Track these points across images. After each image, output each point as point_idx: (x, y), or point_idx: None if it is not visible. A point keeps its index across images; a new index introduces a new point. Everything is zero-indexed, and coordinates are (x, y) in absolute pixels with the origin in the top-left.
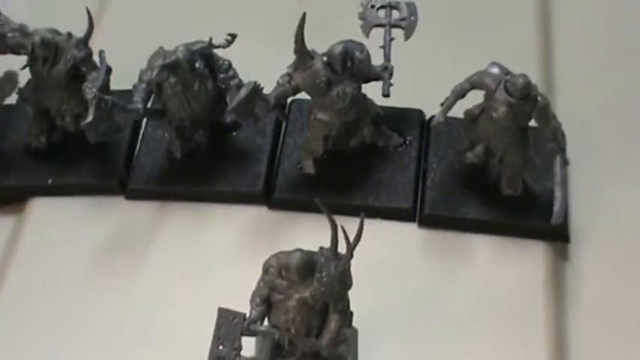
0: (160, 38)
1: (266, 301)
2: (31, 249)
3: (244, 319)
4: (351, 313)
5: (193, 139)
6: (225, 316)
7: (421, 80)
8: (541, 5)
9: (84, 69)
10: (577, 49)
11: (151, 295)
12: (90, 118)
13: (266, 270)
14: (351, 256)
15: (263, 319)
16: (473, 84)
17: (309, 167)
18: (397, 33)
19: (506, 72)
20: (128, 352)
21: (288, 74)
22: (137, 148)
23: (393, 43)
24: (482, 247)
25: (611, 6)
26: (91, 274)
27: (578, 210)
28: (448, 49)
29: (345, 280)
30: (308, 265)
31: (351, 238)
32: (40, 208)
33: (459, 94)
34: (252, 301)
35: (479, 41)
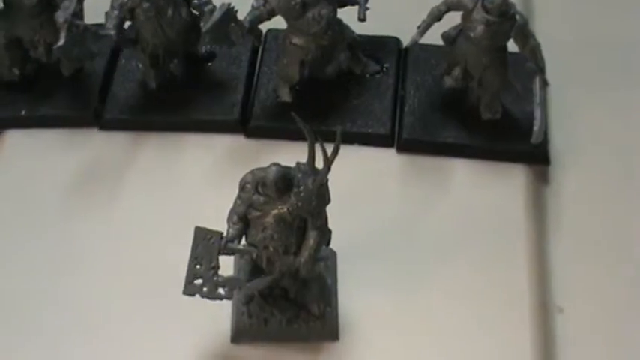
0: None
1: (243, 218)
2: (6, 181)
3: (221, 237)
4: (330, 231)
5: (168, 69)
6: (202, 236)
7: (398, 8)
8: None
9: None
10: None
11: (129, 223)
12: (61, 42)
13: (242, 187)
14: (329, 170)
15: (240, 238)
16: (450, 5)
17: (285, 95)
18: None
19: None
20: (109, 278)
21: None
22: (112, 80)
23: None
24: (462, 172)
25: None
26: (68, 204)
27: (558, 133)
28: None
29: (322, 195)
30: (285, 179)
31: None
32: (15, 139)
33: (436, 16)
34: (229, 219)
35: None
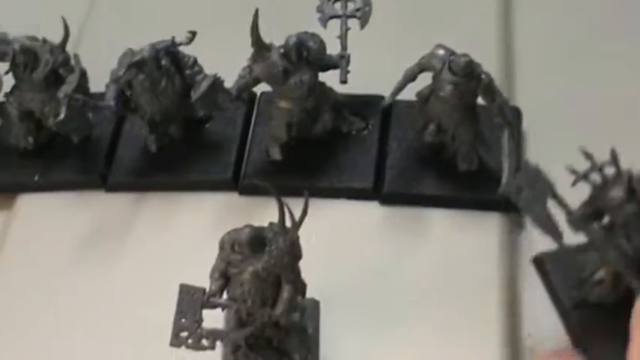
0: (139, 40)
1: (223, 275)
2: (20, 240)
3: (204, 293)
4: (304, 284)
5: (167, 133)
6: (187, 291)
7: (383, 67)
8: None
9: (62, 72)
10: (536, 38)
11: (130, 279)
12: (61, 116)
13: (221, 246)
14: (298, 229)
15: (222, 293)
16: (421, 66)
17: (275, 154)
18: (353, 23)
19: (450, 53)
20: (110, 330)
21: (248, 66)
22: (117, 145)
23: (350, 32)
24: (441, 221)
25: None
26: (76, 261)
27: None
28: (406, 36)
29: (293, 252)
30: (258, 239)
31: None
32: (28, 203)
33: (409, 76)
34: (211, 276)
35: (437, 28)
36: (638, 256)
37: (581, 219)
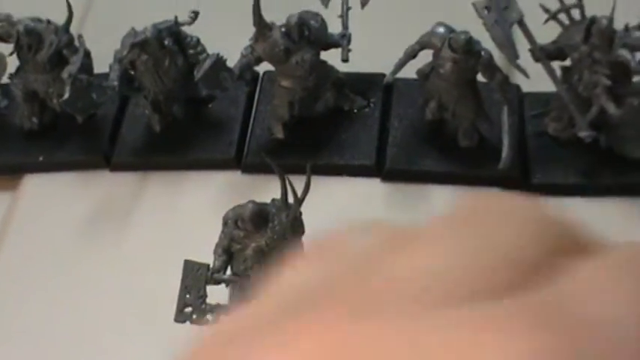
0: (142, 21)
1: (227, 251)
2: (26, 219)
3: (208, 269)
4: None
5: (171, 113)
6: (191, 267)
7: (384, 45)
8: None
9: (66, 53)
10: None
11: (134, 256)
12: (66, 95)
13: (225, 222)
14: (300, 205)
15: (225, 269)
16: (422, 44)
17: (278, 132)
18: (355, 2)
19: (450, 30)
20: (114, 305)
21: (250, 46)
22: (121, 125)
23: (351, 11)
24: (442, 197)
25: None
26: (81, 240)
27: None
28: (406, 15)
29: (296, 228)
30: (261, 215)
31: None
32: (33, 183)
33: (410, 54)
34: (214, 252)
35: (437, 6)
36: (587, 96)
37: (543, 51)
